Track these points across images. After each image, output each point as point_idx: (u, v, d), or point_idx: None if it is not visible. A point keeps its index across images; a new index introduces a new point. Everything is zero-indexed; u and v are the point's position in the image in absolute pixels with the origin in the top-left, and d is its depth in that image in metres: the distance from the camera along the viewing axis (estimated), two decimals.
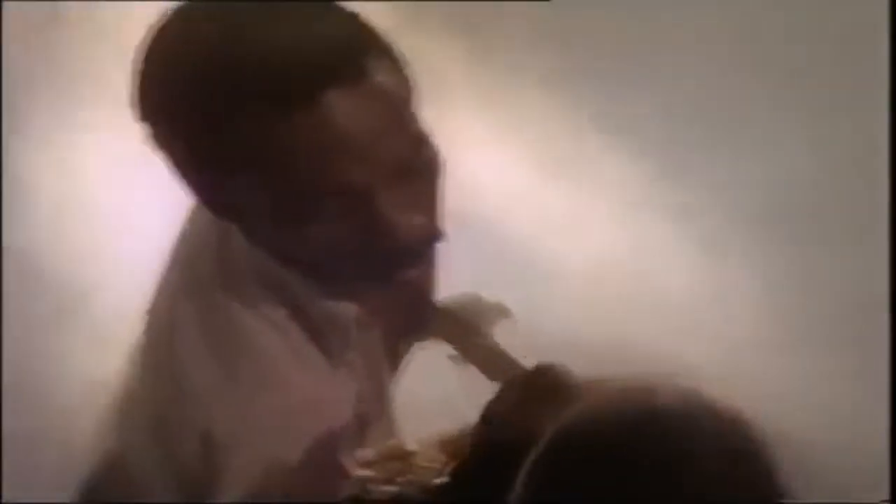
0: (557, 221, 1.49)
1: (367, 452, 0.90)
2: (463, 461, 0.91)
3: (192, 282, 0.88)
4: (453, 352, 1.14)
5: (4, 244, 1.38)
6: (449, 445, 1.01)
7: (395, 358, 0.94)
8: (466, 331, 1.12)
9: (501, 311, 1.15)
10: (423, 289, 0.86)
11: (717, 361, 1.31)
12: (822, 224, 1.39)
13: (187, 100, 0.72)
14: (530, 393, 0.89)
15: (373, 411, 0.93)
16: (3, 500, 1.28)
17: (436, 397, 1.15)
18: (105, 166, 1.39)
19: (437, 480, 0.92)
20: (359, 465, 0.91)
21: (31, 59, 1.34)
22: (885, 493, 1.11)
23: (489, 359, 1.12)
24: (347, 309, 0.89)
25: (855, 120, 1.36)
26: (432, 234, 0.81)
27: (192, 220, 0.92)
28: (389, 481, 0.95)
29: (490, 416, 0.89)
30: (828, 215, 1.39)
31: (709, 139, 1.47)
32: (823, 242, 1.37)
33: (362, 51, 0.72)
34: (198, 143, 0.74)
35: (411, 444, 1.02)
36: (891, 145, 1.31)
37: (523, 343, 1.09)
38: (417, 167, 0.77)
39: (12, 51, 1.31)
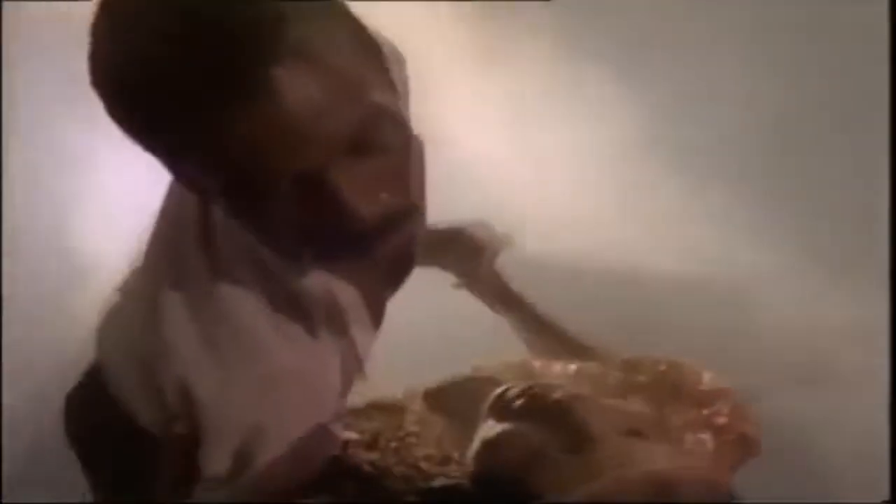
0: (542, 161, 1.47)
1: (354, 399, 0.91)
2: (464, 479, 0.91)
3: (174, 254, 0.88)
4: (455, 280, 1.16)
5: (4, 244, 1.40)
6: (432, 396, 1.02)
7: (377, 316, 0.95)
8: (470, 255, 1.13)
9: (507, 241, 1.15)
10: (404, 249, 0.86)
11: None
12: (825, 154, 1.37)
13: (128, 78, 0.71)
14: (541, 427, 0.89)
15: (355, 375, 0.94)
16: (3, 501, 1.28)
17: (420, 342, 1.15)
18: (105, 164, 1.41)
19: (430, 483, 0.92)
20: (344, 417, 0.92)
21: (31, 57, 1.37)
22: (885, 493, 1.10)
23: (490, 285, 1.13)
24: (324, 281, 0.89)
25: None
26: (402, 210, 0.79)
27: (173, 191, 0.92)
28: (373, 445, 0.95)
29: (497, 441, 0.89)
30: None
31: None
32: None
33: (311, 27, 0.70)
34: (141, 121, 0.73)
35: (396, 393, 1.03)
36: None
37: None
38: (380, 144, 0.75)
39: (12, 51, 1.33)
